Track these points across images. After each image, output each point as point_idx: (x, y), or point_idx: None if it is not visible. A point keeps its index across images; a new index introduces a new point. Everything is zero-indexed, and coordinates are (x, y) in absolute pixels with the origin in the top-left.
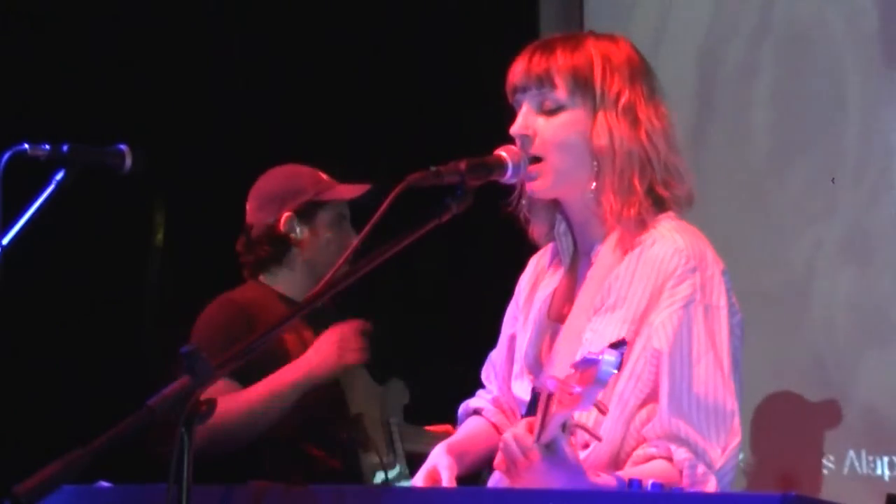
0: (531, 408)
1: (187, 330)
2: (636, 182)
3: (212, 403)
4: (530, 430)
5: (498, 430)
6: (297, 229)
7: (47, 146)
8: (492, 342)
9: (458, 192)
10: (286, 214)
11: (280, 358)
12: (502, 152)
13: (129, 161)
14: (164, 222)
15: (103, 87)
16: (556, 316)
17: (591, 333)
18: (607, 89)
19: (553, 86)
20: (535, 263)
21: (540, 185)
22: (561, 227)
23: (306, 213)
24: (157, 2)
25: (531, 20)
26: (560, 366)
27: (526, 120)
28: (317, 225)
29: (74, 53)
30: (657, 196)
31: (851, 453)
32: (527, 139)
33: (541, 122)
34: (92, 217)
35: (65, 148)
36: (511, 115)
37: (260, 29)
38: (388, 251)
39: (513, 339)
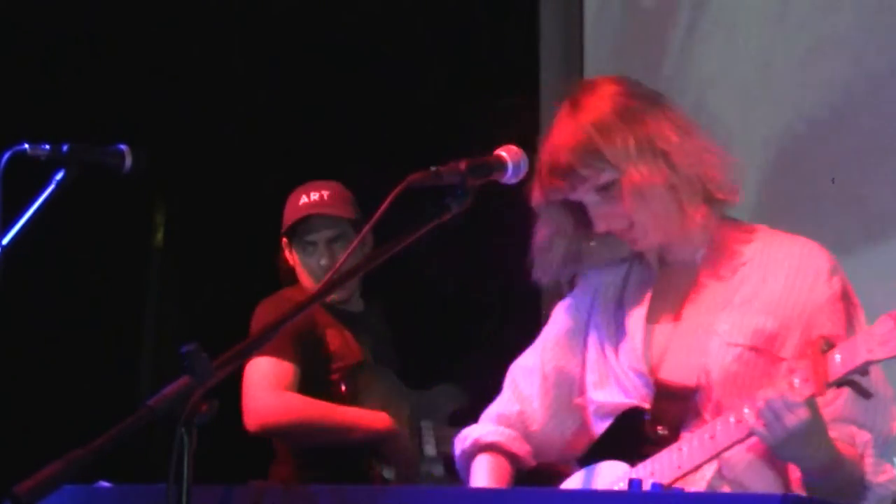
0: (659, 401)
1: (187, 330)
2: (686, 208)
3: (213, 403)
4: (791, 386)
5: (518, 458)
6: (289, 254)
7: (47, 146)
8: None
9: (458, 192)
10: (284, 241)
11: (324, 353)
12: (502, 152)
13: (129, 161)
14: (164, 222)
15: (103, 87)
16: (657, 319)
17: (727, 325)
18: (614, 151)
19: (582, 178)
20: (603, 279)
21: (641, 244)
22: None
23: (290, 235)
24: (157, 2)
25: (531, 20)
26: (680, 360)
27: (603, 212)
28: (295, 248)
29: (75, 53)
30: (713, 197)
31: None
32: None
33: (607, 207)
34: (92, 217)
35: (65, 148)
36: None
37: (259, 29)
38: (388, 251)
39: (570, 354)
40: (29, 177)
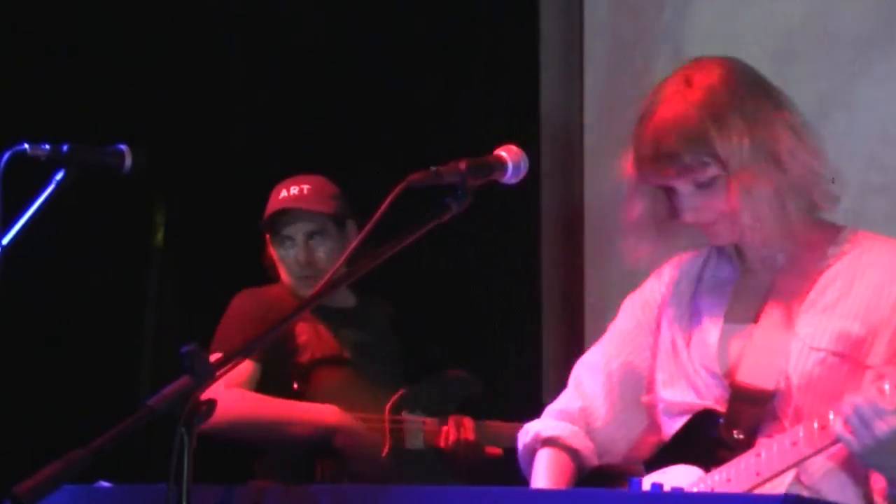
0: (735, 404)
1: (187, 330)
2: (790, 213)
3: (212, 403)
4: (881, 393)
5: (580, 454)
6: (272, 249)
7: (47, 146)
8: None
9: (458, 192)
10: (267, 236)
11: (290, 348)
12: (502, 152)
13: (129, 161)
14: (164, 222)
15: (103, 87)
16: (735, 318)
17: (809, 328)
18: (727, 148)
19: (686, 168)
20: (678, 272)
21: (723, 240)
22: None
23: (269, 230)
24: (157, 1)
25: (531, 20)
26: (759, 362)
27: (695, 204)
28: (274, 242)
29: (75, 53)
30: (814, 204)
31: None
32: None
33: (701, 200)
34: (92, 217)
35: (65, 148)
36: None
37: (259, 29)
38: (387, 251)
39: (639, 349)
40: (29, 177)
